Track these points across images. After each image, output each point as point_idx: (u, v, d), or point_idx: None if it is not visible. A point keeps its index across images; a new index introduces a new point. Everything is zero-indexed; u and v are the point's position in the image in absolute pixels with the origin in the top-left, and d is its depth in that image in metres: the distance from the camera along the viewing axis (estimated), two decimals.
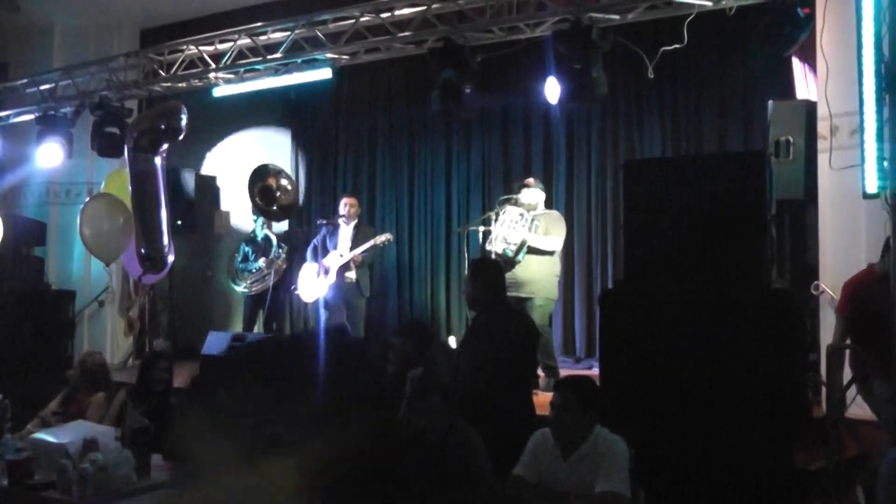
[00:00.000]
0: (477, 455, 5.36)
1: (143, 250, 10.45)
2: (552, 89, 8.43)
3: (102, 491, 5.35)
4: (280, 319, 13.01)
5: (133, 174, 10.45)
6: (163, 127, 10.06)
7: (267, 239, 12.07)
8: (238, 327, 13.54)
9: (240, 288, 12.10)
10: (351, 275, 10.99)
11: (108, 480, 5.40)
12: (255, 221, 12.26)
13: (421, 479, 4.92)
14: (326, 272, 10.95)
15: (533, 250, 9.67)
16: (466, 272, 7.58)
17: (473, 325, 7.08)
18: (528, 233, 9.63)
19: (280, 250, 11.92)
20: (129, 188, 10.56)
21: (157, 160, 10.35)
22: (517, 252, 9.58)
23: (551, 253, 9.83)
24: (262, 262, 11.83)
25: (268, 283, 11.67)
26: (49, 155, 11.31)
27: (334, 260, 10.99)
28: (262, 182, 11.85)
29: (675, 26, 7.95)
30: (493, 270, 7.37)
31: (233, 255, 12.29)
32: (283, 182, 11.98)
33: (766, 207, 6.30)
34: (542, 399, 8.55)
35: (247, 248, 12.09)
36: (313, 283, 11.08)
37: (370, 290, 11.63)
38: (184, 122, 9.92)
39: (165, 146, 10.37)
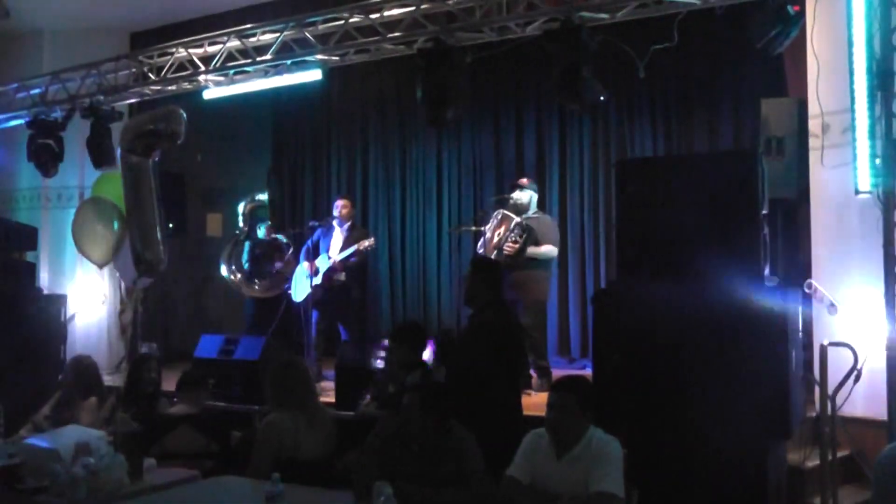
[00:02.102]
0: (471, 457, 5.36)
1: (138, 254, 10.42)
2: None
3: (94, 495, 5.32)
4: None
5: (128, 177, 10.42)
6: (161, 131, 10.04)
7: (275, 240, 12.02)
8: (231, 329, 13.51)
9: (253, 291, 11.96)
10: (339, 277, 10.96)
11: (100, 485, 5.38)
12: (260, 224, 12.13)
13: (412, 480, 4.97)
14: (316, 273, 10.93)
15: (529, 259, 9.63)
16: (466, 270, 7.55)
17: (471, 324, 7.06)
18: (524, 244, 9.57)
19: (291, 252, 11.87)
20: (123, 191, 10.53)
21: (150, 163, 10.33)
22: (509, 265, 9.51)
23: (548, 260, 9.82)
24: (279, 264, 11.78)
25: (285, 286, 11.65)
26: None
27: (322, 262, 10.96)
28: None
29: (665, 25, 7.93)
30: (493, 270, 7.38)
31: (234, 256, 12.16)
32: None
33: (758, 206, 6.30)
34: (536, 399, 8.57)
35: (257, 251, 11.98)
36: (304, 284, 11.07)
37: (362, 292, 11.59)
38: (183, 126, 9.90)
39: (159, 150, 10.36)
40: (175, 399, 7.36)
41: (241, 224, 12.45)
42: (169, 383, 10.15)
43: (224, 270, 12.18)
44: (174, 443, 6.59)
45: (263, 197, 12.45)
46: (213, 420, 7.09)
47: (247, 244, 12.14)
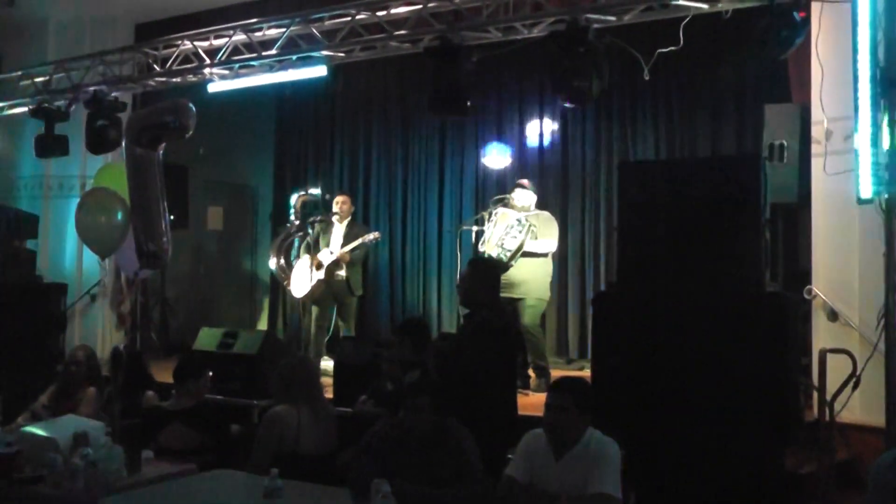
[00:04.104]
0: (470, 455, 5.37)
1: (143, 246, 10.39)
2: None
3: (92, 486, 5.33)
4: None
5: (132, 169, 10.39)
6: (170, 124, 9.99)
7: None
8: (230, 322, 13.51)
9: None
10: (341, 273, 10.97)
11: (98, 475, 5.39)
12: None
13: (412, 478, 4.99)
14: (318, 268, 10.94)
15: (527, 254, 9.68)
16: (463, 269, 7.54)
17: (469, 324, 7.05)
18: (525, 238, 9.62)
19: None
20: (128, 183, 10.51)
21: (156, 155, 10.30)
22: (512, 257, 9.58)
23: (545, 255, 9.85)
24: None
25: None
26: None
27: (325, 257, 10.98)
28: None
29: (670, 28, 7.94)
30: (492, 270, 7.39)
31: (284, 248, 12.11)
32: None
33: (760, 211, 6.31)
34: (534, 400, 8.59)
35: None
36: (305, 279, 11.08)
37: (362, 289, 11.61)
38: (193, 120, 9.85)
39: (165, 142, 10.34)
40: (173, 391, 7.29)
41: (291, 217, 12.38)
42: (168, 376, 10.21)
43: (272, 265, 12.13)
44: (166, 439, 6.57)
45: (316, 191, 12.40)
46: (210, 413, 7.03)
47: (296, 241, 12.07)
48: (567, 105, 8.30)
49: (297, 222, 12.21)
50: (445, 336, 7.57)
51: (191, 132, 9.85)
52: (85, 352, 8.18)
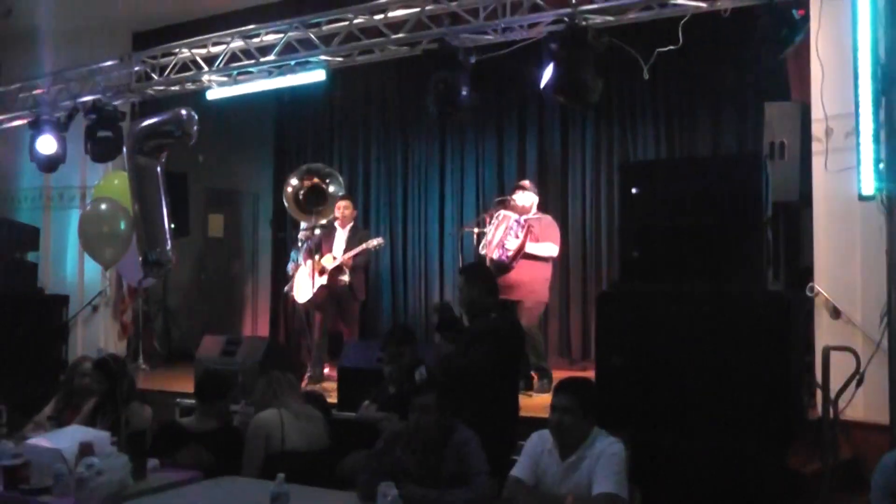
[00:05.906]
0: (476, 457, 5.36)
1: (147, 255, 10.40)
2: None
3: (98, 495, 5.32)
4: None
5: (135, 178, 10.41)
6: (173, 132, 9.99)
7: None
8: (232, 331, 13.50)
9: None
10: (344, 278, 10.95)
11: (104, 485, 5.38)
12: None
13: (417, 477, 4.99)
14: (320, 273, 10.93)
15: (527, 255, 9.68)
16: (460, 276, 7.51)
17: (477, 326, 6.98)
18: (524, 239, 9.61)
19: None
20: (130, 192, 10.52)
21: (158, 164, 10.32)
22: (512, 259, 9.58)
23: (546, 259, 9.84)
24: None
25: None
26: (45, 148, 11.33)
27: (327, 262, 10.97)
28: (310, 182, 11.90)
29: (670, 28, 7.94)
30: (488, 273, 7.38)
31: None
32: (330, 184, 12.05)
33: (762, 209, 6.31)
34: (538, 401, 8.60)
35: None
36: (307, 285, 11.07)
37: (365, 293, 11.60)
38: (195, 128, 9.85)
39: (167, 151, 10.35)
40: (196, 406, 7.14)
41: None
42: (171, 384, 10.20)
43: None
44: (183, 458, 6.49)
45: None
46: (232, 437, 6.85)
47: (292, 253, 12.07)
48: (565, 103, 8.29)
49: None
50: (445, 307, 7.47)
51: (194, 140, 9.86)
52: (87, 362, 8.15)
